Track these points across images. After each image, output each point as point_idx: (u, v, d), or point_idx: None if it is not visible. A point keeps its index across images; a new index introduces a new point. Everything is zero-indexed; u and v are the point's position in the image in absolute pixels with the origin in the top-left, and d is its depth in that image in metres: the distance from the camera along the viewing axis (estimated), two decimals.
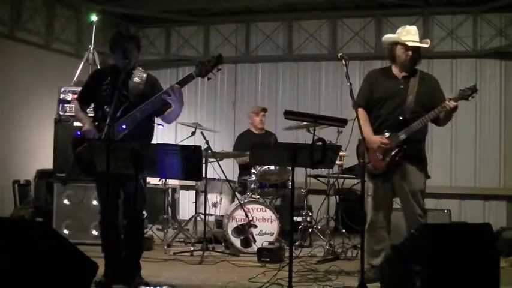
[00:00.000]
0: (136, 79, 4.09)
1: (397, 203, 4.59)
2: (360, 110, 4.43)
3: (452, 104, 4.12)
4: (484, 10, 8.29)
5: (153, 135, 4.24)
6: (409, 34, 4.35)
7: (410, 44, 4.32)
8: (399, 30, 4.46)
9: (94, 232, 5.93)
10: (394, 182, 4.37)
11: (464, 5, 8.38)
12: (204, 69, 3.92)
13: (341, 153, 5.69)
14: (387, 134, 4.33)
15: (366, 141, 4.25)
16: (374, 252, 4.46)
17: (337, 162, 5.90)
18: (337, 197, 6.50)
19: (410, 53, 4.33)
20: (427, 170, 4.43)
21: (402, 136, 4.25)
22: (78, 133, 4.07)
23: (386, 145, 4.27)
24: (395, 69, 4.47)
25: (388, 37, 4.52)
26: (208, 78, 3.96)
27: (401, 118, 4.29)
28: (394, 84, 4.41)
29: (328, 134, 5.28)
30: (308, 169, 6.09)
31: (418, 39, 4.35)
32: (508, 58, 8.29)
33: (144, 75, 4.15)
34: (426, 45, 4.37)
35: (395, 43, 4.39)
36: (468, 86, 4.15)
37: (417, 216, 4.27)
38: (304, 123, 5.51)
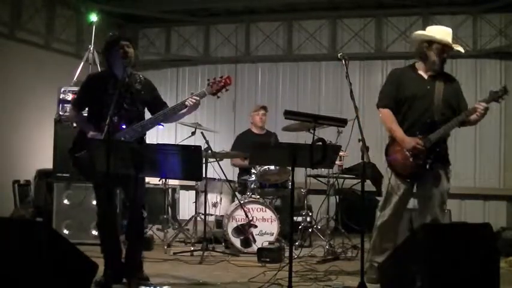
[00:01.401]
0: (136, 84, 4.11)
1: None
2: (387, 111, 4.37)
3: (484, 105, 4.13)
4: (484, 10, 8.29)
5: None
6: (447, 36, 4.26)
7: (454, 47, 4.27)
8: (432, 29, 4.38)
9: (94, 232, 5.92)
10: (418, 184, 4.33)
11: (464, 5, 8.39)
12: (214, 88, 4.12)
13: (341, 153, 5.69)
14: (419, 136, 4.26)
15: (399, 142, 4.27)
16: (382, 249, 4.41)
17: (337, 162, 5.89)
18: (337, 197, 6.50)
19: (445, 54, 4.27)
20: (450, 170, 4.39)
21: (433, 139, 4.19)
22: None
23: (422, 146, 4.19)
24: (421, 68, 4.38)
25: (422, 34, 4.38)
26: (218, 97, 4.18)
27: (429, 120, 4.22)
28: (421, 84, 4.32)
29: (328, 134, 5.28)
30: (308, 169, 6.09)
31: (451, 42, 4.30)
32: (508, 58, 8.29)
33: (142, 79, 4.18)
34: (463, 51, 4.36)
35: (430, 42, 4.26)
36: (499, 88, 4.16)
37: (433, 220, 4.24)
38: (304, 124, 5.50)
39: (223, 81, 4.10)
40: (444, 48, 4.25)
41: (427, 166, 4.21)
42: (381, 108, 4.41)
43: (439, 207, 4.27)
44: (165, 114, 4.08)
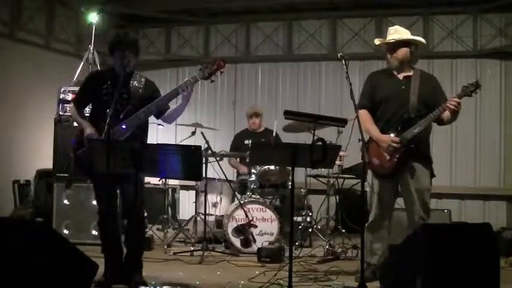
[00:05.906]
0: (135, 83, 4.11)
1: (397, 203, 4.59)
2: (364, 111, 4.46)
3: (456, 100, 4.12)
4: (484, 10, 8.29)
5: (147, 133, 4.24)
6: (391, 35, 4.42)
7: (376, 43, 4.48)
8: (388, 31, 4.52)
9: (94, 232, 5.92)
10: (399, 182, 4.38)
11: (464, 5, 8.38)
12: (206, 72, 4.01)
13: (341, 153, 5.69)
14: (392, 135, 4.32)
15: (376, 141, 4.34)
16: (373, 250, 4.46)
17: (337, 162, 5.90)
18: (337, 197, 6.50)
19: (388, 55, 4.41)
20: (432, 169, 4.42)
21: (408, 135, 4.25)
22: (74, 142, 4.09)
23: (398, 144, 4.26)
24: (393, 70, 4.50)
25: (376, 41, 4.58)
26: (212, 81, 4.06)
27: (405, 117, 4.29)
28: (395, 84, 4.42)
29: (328, 134, 5.28)
30: (308, 169, 6.09)
31: (394, 37, 4.38)
32: (508, 58, 8.29)
33: (143, 80, 4.17)
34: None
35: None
36: (471, 82, 4.16)
37: (419, 219, 4.26)
38: (304, 124, 5.50)
39: (215, 65, 4.02)
40: (385, 51, 4.41)
41: (401, 163, 4.26)
42: (359, 109, 4.43)
43: (421, 204, 4.28)
44: (157, 103, 4.02)
